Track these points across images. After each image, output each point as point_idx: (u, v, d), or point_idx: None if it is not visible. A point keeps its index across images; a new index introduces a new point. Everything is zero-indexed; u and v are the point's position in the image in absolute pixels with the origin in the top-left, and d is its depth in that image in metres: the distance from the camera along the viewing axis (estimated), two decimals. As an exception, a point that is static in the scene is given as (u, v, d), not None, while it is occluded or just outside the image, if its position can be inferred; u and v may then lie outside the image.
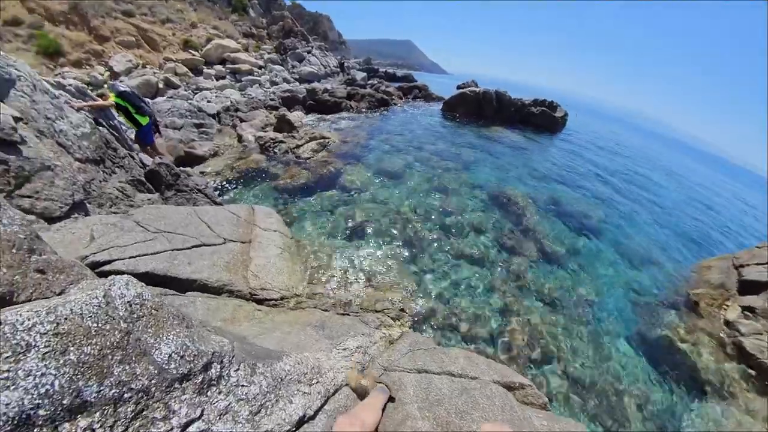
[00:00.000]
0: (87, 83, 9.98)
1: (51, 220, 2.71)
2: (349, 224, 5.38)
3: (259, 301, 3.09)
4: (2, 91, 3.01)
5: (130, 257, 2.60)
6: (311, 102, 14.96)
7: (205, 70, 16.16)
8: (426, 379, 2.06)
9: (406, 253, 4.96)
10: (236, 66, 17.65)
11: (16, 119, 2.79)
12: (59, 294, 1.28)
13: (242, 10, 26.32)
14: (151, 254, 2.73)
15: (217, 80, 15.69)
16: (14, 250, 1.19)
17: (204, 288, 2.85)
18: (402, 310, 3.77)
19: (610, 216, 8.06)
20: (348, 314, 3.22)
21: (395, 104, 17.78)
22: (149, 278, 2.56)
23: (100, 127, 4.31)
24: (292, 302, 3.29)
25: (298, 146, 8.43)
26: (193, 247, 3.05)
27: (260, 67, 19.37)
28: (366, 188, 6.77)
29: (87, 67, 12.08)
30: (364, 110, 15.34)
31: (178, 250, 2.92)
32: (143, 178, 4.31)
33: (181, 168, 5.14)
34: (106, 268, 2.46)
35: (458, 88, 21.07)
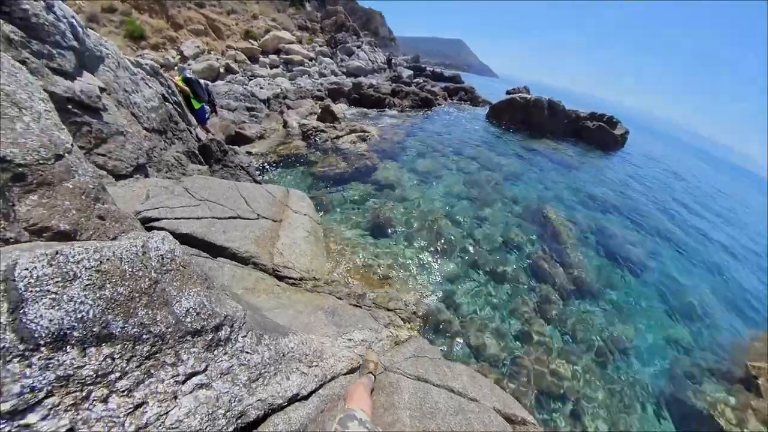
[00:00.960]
0: (161, 64, 11.18)
1: (118, 177, 3.09)
2: (377, 219, 5.41)
3: (280, 278, 3.25)
4: (93, 66, 3.49)
5: (176, 218, 2.88)
6: (356, 96, 15.28)
7: (261, 58, 17.20)
8: (424, 388, 2.01)
9: (430, 257, 4.87)
10: (289, 56, 18.56)
11: (101, 90, 3.22)
12: (113, 239, 1.45)
13: (299, 4, 28.04)
14: (194, 218, 3.00)
15: (270, 69, 16.62)
16: (83, 196, 1.37)
17: (233, 256, 3.07)
18: (414, 313, 3.71)
19: (661, 254, 7.04)
20: (360, 306, 3.26)
21: (439, 105, 17.49)
22: (188, 239, 2.81)
23: (167, 103, 4.80)
24: (310, 284, 3.41)
25: (338, 137, 8.68)
26: (229, 218, 3.30)
27: (311, 59, 20.18)
28: (399, 186, 6.77)
29: (163, 50, 13.54)
30: (407, 108, 15.30)
31: (216, 218, 3.18)
32: (196, 151, 4.73)
33: (230, 146, 5.56)
34: (155, 224, 2.75)
35: (508, 93, 20.18)
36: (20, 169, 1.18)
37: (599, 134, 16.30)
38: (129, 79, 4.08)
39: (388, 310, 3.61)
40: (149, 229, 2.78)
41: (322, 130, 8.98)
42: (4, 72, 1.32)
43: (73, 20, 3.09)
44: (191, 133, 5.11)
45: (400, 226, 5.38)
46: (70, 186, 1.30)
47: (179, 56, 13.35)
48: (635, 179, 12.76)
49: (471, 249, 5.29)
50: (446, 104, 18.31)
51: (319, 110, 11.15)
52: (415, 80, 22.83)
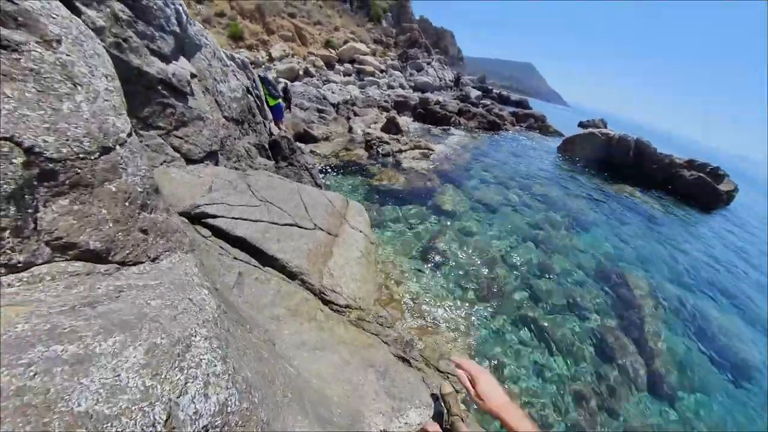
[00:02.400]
0: (252, 62, 12.26)
1: (189, 161, 3.01)
2: (430, 248, 4.84)
3: (325, 301, 2.88)
4: (191, 52, 3.56)
5: (233, 218, 2.67)
6: (421, 110, 15.03)
7: (337, 66, 17.99)
8: None
9: (481, 306, 4.13)
10: (362, 67, 19.17)
11: (192, 75, 3.22)
12: (153, 260, 1.08)
13: (377, 20, 29.94)
14: (251, 221, 2.77)
15: (343, 76, 17.26)
16: (127, 203, 1.03)
17: (282, 269, 2.77)
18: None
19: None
20: (410, 362, 2.70)
21: (507, 130, 16.47)
22: (241, 243, 2.59)
23: (249, 95, 4.86)
24: (354, 314, 2.97)
25: (401, 150, 8.36)
26: (286, 224, 3.02)
27: (382, 71, 20.63)
28: (457, 214, 6.12)
29: (255, 50, 15.14)
30: (472, 129, 14.61)
31: (273, 223, 2.91)
32: (267, 145, 4.70)
33: (297, 145, 5.53)
34: (211, 221, 2.55)
35: (581, 125, 18.32)
36: (51, 165, 0.87)
37: (698, 187, 13.70)
38: (220, 69, 4.15)
39: (440, 371, 3.00)
40: (204, 225, 2.56)
41: (386, 142, 8.75)
42: (69, 38, 1.06)
43: (180, 8, 3.16)
44: (265, 126, 5.14)
45: (454, 261, 4.73)
46: (113, 189, 0.98)
47: (268, 57, 14.70)
48: (747, 252, 10.27)
49: (530, 305, 4.41)
50: (514, 130, 17.20)
51: (384, 120, 11.03)
52: (482, 101, 22.02)
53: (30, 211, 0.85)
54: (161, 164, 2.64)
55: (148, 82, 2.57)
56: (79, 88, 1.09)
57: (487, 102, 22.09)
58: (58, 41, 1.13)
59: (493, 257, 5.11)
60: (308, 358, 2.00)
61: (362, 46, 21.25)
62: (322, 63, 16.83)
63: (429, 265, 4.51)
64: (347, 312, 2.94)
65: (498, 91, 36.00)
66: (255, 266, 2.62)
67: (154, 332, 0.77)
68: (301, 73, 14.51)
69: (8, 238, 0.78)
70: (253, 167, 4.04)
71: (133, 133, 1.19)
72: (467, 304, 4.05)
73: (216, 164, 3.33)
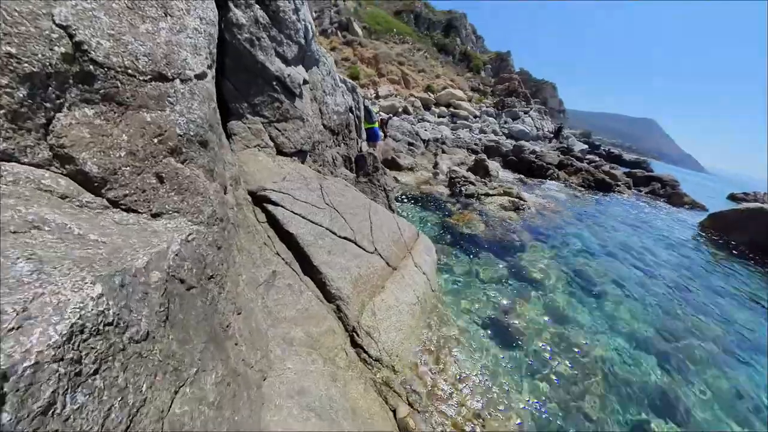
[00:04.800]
0: (363, 96, 14.16)
1: (280, 152, 3.11)
2: (502, 320, 3.64)
3: (354, 343, 2.33)
4: (309, 64, 3.92)
5: (292, 212, 2.50)
6: (513, 158, 14.00)
7: (433, 108, 18.82)
8: None
9: (561, 423, 2.74)
10: (456, 110, 19.56)
11: (305, 81, 3.46)
12: (153, 215, 0.76)
13: (477, 71, 31.67)
14: (309, 220, 2.54)
15: (438, 117, 17.82)
16: (155, 140, 0.77)
17: (321, 285, 2.38)
18: None
19: None
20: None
21: (620, 193, 13.77)
22: (289, 240, 2.35)
23: (351, 113, 5.14)
24: (382, 374, 2.30)
25: (487, 194, 7.59)
26: (344, 237, 2.68)
27: (475, 116, 20.62)
28: (546, 285, 4.68)
29: (366, 89, 17.37)
30: (574, 185, 12.67)
31: (331, 232, 2.62)
32: (352, 158, 4.75)
33: (383, 166, 5.53)
34: (269, 207, 2.41)
35: (733, 198, 13.84)
36: (93, 68, 0.68)
37: None
38: (331, 84, 4.48)
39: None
40: (265, 211, 2.44)
41: (471, 182, 8.14)
42: None
43: (309, 26, 3.53)
44: (357, 143, 5.29)
45: (531, 348, 3.36)
46: (148, 119, 0.75)
47: (375, 94, 16.94)
48: None
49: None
50: (630, 194, 14.25)
51: (473, 162, 10.50)
52: (588, 156, 19.36)
53: (48, 105, 0.64)
54: (254, 146, 2.72)
55: (267, 76, 2.77)
56: (168, 18, 0.98)
57: (595, 158, 19.37)
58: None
59: (591, 361, 3.45)
60: (296, 418, 1.41)
61: (459, 92, 21.96)
62: (420, 104, 17.88)
63: (496, 341, 3.31)
64: (375, 367, 2.32)
65: (607, 148, 31.56)
66: (294, 271, 2.31)
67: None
68: (400, 110, 15.62)
69: (0, 120, 0.57)
70: (333, 174, 4.03)
71: (208, 78, 1.03)
72: (541, 413, 2.75)
73: (302, 162, 3.36)
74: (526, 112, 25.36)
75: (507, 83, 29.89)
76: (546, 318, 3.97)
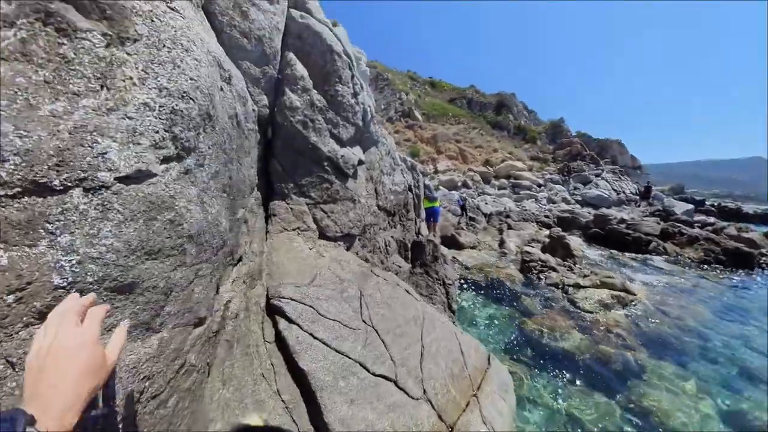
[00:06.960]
0: (421, 172, 14.79)
1: (323, 236, 2.58)
2: None
3: None
4: (367, 145, 3.76)
5: (311, 335, 1.72)
6: (597, 230, 11.81)
7: (493, 180, 18.24)
8: None
9: None
10: (518, 181, 18.55)
11: (359, 161, 3.20)
12: None
13: (533, 141, 31.34)
14: (333, 349, 1.72)
15: (498, 189, 17.01)
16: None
17: None
18: None
19: None
20: None
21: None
22: (301, 377, 1.55)
23: (409, 192, 4.75)
24: None
25: (577, 285, 5.91)
26: (379, 376, 1.74)
27: (539, 185, 19.17)
28: None
29: (425, 165, 18.21)
30: (692, 261, 9.57)
31: (362, 366, 1.73)
32: (408, 243, 4.08)
33: (443, 249, 4.72)
34: (281, 323, 1.72)
35: None
36: None
37: None
38: (389, 164, 4.24)
39: None
40: (275, 326, 1.74)
41: (552, 267, 6.60)
42: (150, 41, 0.80)
43: (368, 108, 3.45)
44: (415, 224, 4.71)
45: None
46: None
47: (434, 170, 17.73)
48: None
49: None
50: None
51: (548, 240, 8.91)
52: (698, 219, 15.05)
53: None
54: (293, 229, 2.26)
55: (318, 156, 2.51)
56: (102, 92, 0.61)
57: (707, 218, 15.24)
58: (135, 40, 0.77)
59: None
60: None
61: (519, 163, 21.33)
62: (479, 178, 17.62)
63: None
64: None
65: (718, 202, 25.24)
66: (293, 422, 1.42)
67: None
68: (459, 184, 15.53)
69: None
70: (384, 264, 3.34)
71: (161, 177, 0.57)
72: None
73: (348, 248, 2.80)
74: (597, 175, 22.74)
75: (568, 147, 28.32)
76: None
